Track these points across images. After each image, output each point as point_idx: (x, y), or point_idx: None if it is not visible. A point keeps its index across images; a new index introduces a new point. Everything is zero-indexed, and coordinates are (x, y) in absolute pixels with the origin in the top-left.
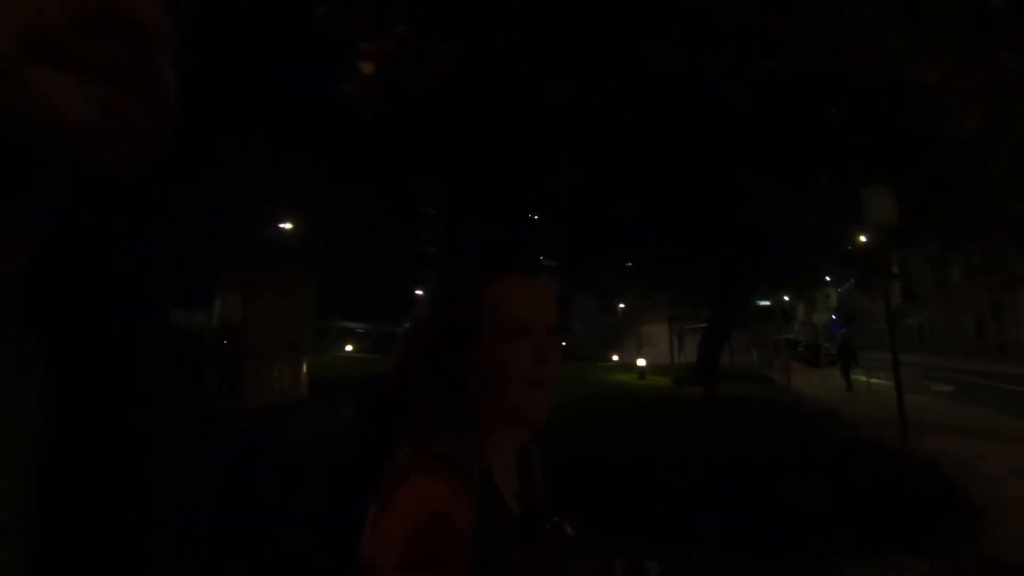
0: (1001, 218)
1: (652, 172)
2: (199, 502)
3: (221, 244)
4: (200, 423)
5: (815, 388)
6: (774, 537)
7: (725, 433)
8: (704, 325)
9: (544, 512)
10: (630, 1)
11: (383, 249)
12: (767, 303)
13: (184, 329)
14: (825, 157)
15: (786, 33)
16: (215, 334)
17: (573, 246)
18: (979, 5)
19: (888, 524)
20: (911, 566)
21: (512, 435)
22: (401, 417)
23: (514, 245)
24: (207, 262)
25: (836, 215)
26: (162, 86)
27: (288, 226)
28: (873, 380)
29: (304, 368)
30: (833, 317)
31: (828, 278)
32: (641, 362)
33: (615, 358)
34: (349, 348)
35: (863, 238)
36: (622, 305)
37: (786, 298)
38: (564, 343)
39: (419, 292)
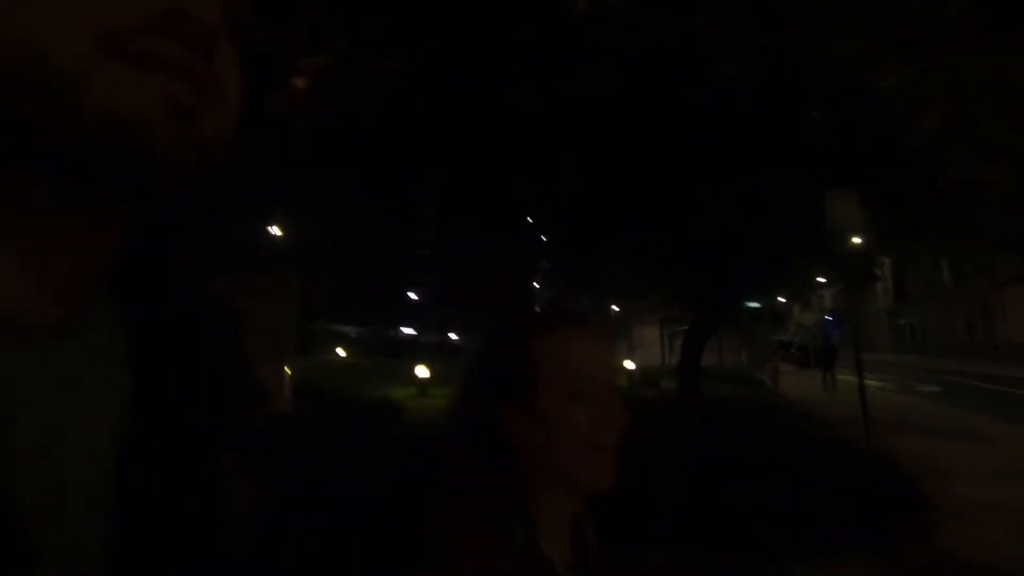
0: (966, 223)
1: (623, 178)
2: None
3: (202, 246)
4: None
5: (803, 389)
6: (727, 537)
7: (690, 434)
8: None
9: None
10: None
11: (376, 252)
12: (756, 305)
13: None
14: (790, 162)
15: (746, 40)
16: None
17: (566, 248)
18: (934, 11)
19: (841, 523)
20: (858, 564)
21: (566, 501)
22: (440, 475)
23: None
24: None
25: (808, 219)
26: (222, 82)
27: (275, 229)
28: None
29: (287, 378)
30: (828, 318)
31: (823, 280)
32: (630, 364)
33: None
34: (341, 352)
35: (849, 241)
36: (615, 307)
37: (781, 300)
38: None
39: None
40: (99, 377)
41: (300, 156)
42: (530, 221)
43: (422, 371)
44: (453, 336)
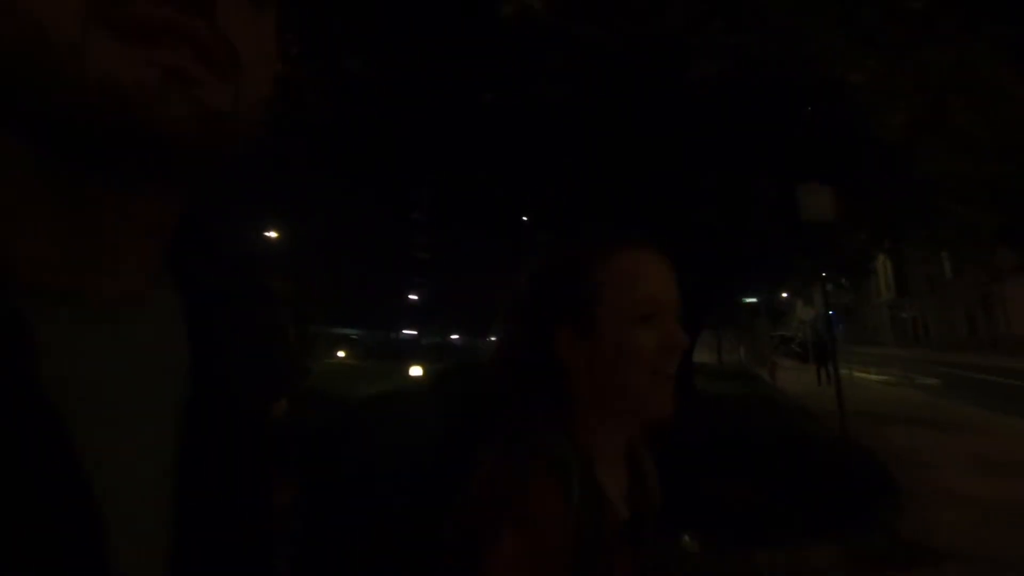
0: (939, 215)
1: (606, 178)
2: None
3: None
4: None
5: (800, 384)
6: (692, 525)
7: (672, 429)
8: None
9: (655, 519)
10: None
11: (375, 255)
12: (753, 300)
13: None
14: (767, 160)
15: (718, 38)
16: None
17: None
18: (900, 3)
19: (808, 511)
20: (821, 550)
21: (622, 430)
22: (494, 403)
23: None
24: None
25: (790, 215)
26: (236, 50)
27: (272, 233)
28: (856, 374)
29: None
30: (831, 313)
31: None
32: None
33: None
34: (341, 354)
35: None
36: None
37: (784, 295)
38: None
39: (413, 297)
40: (165, 350)
41: (292, 160)
42: (527, 221)
43: (416, 370)
44: (454, 337)
